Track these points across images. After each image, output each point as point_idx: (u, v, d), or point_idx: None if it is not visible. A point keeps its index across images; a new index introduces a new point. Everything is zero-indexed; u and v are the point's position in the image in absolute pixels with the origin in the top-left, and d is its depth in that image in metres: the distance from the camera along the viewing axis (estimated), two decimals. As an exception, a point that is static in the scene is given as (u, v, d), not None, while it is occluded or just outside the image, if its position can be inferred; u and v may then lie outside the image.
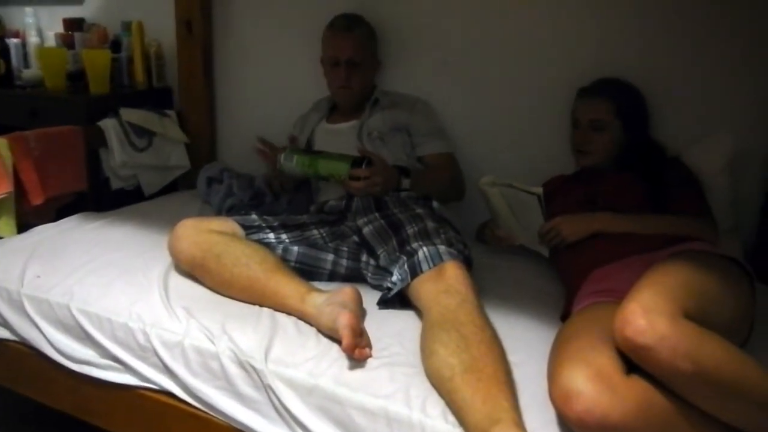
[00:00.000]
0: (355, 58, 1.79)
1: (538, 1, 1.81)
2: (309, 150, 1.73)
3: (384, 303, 1.36)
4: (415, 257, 1.31)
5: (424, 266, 1.28)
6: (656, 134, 1.68)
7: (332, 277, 1.52)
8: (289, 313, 1.30)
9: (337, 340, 1.18)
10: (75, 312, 1.35)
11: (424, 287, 1.26)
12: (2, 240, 1.71)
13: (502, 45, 1.88)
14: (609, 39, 1.75)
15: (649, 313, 0.92)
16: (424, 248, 1.32)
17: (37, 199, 1.87)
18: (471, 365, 1.03)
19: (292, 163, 1.68)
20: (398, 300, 1.34)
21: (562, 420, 0.94)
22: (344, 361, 1.14)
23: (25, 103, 2.22)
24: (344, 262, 1.52)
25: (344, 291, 1.27)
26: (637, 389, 0.91)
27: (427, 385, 1.07)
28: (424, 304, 1.24)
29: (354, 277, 1.52)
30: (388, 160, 1.65)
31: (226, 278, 1.37)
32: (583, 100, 1.65)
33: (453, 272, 1.25)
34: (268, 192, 1.99)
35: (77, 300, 1.37)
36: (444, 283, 1.23)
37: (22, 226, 1.81)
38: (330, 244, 1.56)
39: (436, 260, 1.28)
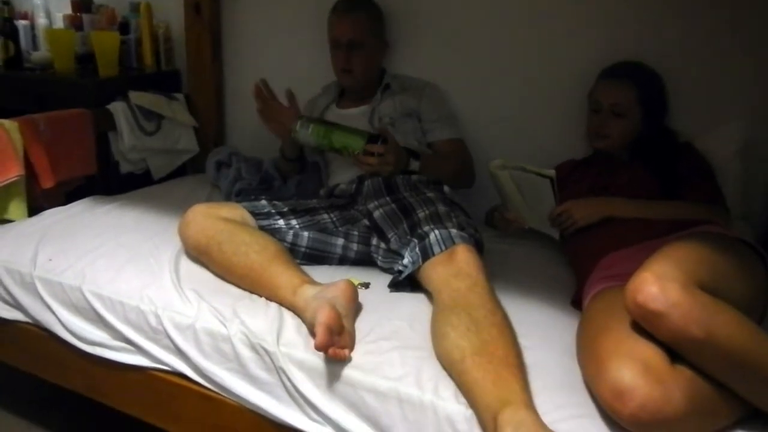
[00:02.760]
0: (355, 39, 1.76)
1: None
2: (324, 120, 1.71)
3: (395, 286, 1.36)
4: (427, 240, 1.31)
5: (436, 249, 1.28)
6: (669, 120, 1.66)
7: (342, 261, 1.52)
8: (283, 305, 1.27)
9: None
10: (87, 295, 1.36)
11: (435, 270, 1.26)
12: (14, 223, 1.72)
13: (512, 28, 1.86)
14: (620, 23, 1.73)
15: (661, 280, 0.92)
16: (436, 231, 1.31)
17: (47, 183, 1.87)
18: (481, 348, 1.04)
19: (308, 131, 1.64)
20: (409, 283, 1.34)
21: (611, 416, 0.93)
22: (358, 345, 1.14)
23: (34, 86, 2.22)
24: (354, 246, 1.52)
25: (337, 285, 1.24)
26: (684, 379, 0.91)
27: (439, 367, 1.08)
28: (435, 287, 1.24)
29: (364, 261, 1.52)
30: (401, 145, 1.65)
31: (225, 266, 1.37)
32: (606, 83, 1.60)
33: (464, 255, 1.25)
34: (276, 176, 1.99)
35: (89, 283, 1.38)
36: (455, 266, 1.23)
37: (33, 210, 1.82)
38: (340, 229, 1.56)
39: (448, 243, 1.28)
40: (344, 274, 1.43)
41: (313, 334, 1.12)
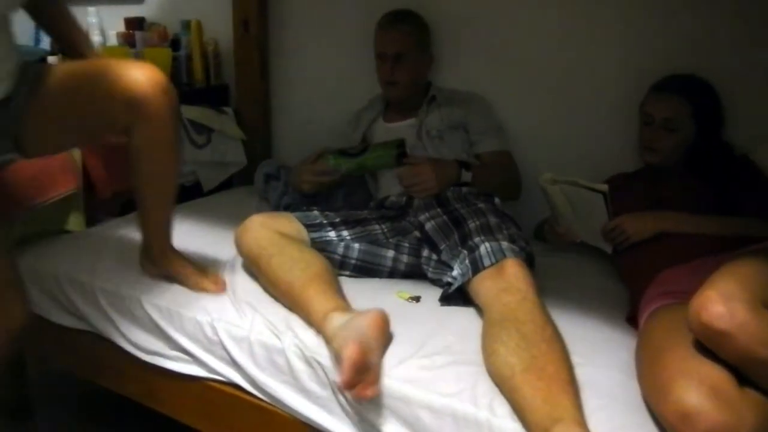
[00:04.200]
0: (401, 51, 1.77)
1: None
2: (348, 152, 1.76)
3: (446, 299, 1.36)
4: (477, 252, 1.30)
5: (486, 261, 1.27)
6: (725, 132, 1.62)
7: (392, 274, 1.53)
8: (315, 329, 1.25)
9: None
10: (146, 305, 1.40)
11: (484, 284, 1.25)
12: (74, 234, 1.79)
13: (560, 39, 1.84)
14: (672, 32, 1.69)
15: (727, 300, 0.90)
16: (486, 243, 1.31)
17: (105, 194, 1.93)
18: (531, 364, 1.03)
19: (342, 171, 1.72)
20: (460, 297, 1.34)
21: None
22: (411, 360, 1.14)
23: (90, 101, 2.30)
24: (404, 258, 1.53)
25: (368, 315, 1.16)
26: (753, 402, 0.89)
27: (493, 383, 1.07)
28: (484, 302, 1.23)
29: (414, 273, 1.52)
30: (448, 158, 1.66)
31: (270, 280, 1.37)
32: (659, 97, 1.57)
33: (514, 270, 1.24)
34: None
35: (147, 293, 1.43)
36: (504, 280, 1.23)
37: (90, 220, 1.89)
38: (391, 240, 1.57)
39: (498, 256, 1.27)
40: (394, 287, 1.45)
41: (338, 365, 1.11)
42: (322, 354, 1.18)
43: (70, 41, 1.50)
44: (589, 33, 1.80)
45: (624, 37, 1.76)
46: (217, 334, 1.31)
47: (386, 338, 1.19)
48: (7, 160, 1.52)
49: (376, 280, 1.51)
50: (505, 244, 1.31)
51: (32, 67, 1.33)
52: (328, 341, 1.18)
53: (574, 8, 1.80)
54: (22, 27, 2.92)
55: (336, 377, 1.11)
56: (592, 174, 1.70)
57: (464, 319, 1.29)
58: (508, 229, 1.42)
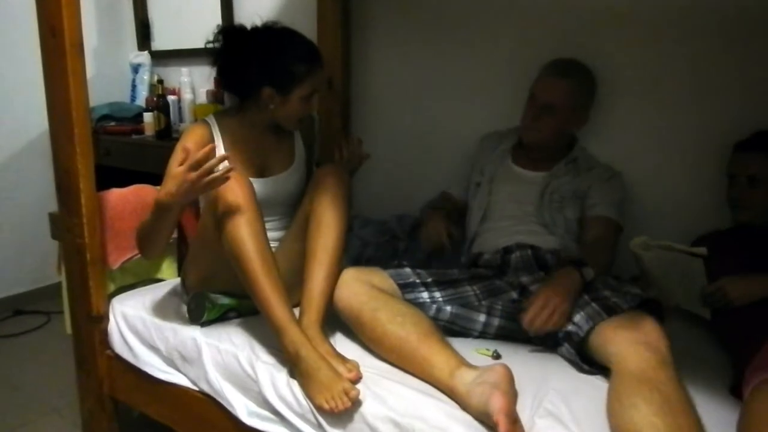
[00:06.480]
0: (552, 103, 1.66)
1: (683, 54, 1.75)
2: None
3: (582, 359, 1.30)
4: (610, 301, 1.30)
5: (624, 305, 1.28)
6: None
7: (482, 336, 1.49)
8: (434, 386, 1.24)
9: (487, 425, 1.12)
10: (242, 361, 1.43)
11: (618, 333, 1.21)
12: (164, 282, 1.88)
13: (647, 97, 1.83)
14: (763, 91, 1.66)
15: None
16: (617, 291, 1.33)
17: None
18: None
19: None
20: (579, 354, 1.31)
21: None
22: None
23: (182, 154, 2.43)
24: (496, 321, 1.48)
25: (496, 369, 1.17)
26: None
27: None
28: (619, 350, 1.18)
29: (504, 336, 1.48)
30: (562, 227, 1.64)
31: (378, 334, 1.34)
32: (740, 155, 1.58)
33: (652, 327, 1.21)
34: (402, 236, 1.99)
35: (247, 349, 1.45)
36: (643, 334, 1.19)
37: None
38: (483, 302, 1.52)
39: (636, 300, 1.29)
40: (471, 345, 1.43)
41: (481, 422, 1.12)
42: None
43: None
44: (680, 92, 1.77)
45: (714, 96, 1.73)
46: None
47: (515, 391, 1.18)
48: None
49: (462, 339, 1.47)
50: (636, 289, 1.33)
51: None
52: (461, 397, 1.17)
53: (661, 69, 1.78)
54: (120, 82, 3.16)
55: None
56: (682, 233, 1.66)
57: (556, 377, 1.28)
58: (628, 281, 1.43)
